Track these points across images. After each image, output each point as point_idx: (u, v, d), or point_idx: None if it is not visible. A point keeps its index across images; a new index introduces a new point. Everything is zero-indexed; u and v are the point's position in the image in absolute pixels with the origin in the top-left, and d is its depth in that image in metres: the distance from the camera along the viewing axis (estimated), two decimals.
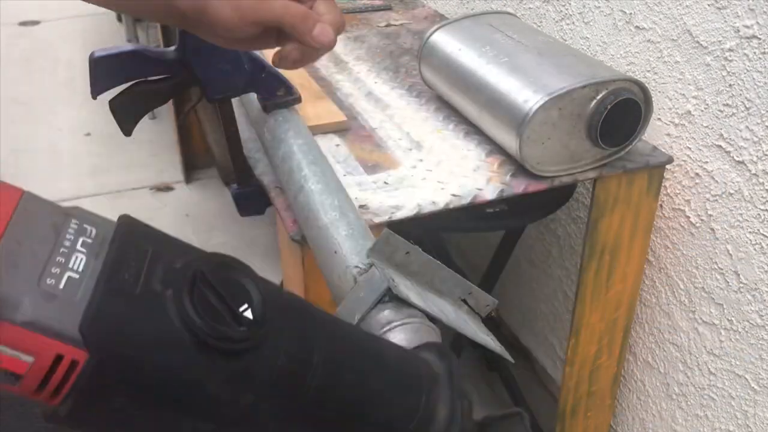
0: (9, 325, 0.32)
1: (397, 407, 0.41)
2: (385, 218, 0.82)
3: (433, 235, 1.42)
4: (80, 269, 0.34)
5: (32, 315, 0.33)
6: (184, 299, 0.34)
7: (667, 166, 1.01)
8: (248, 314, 0.36)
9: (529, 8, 1.30)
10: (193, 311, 0.34)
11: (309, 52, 0.59)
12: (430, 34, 1.08)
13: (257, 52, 0.83)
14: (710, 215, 1.00)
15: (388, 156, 0.96)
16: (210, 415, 0.36)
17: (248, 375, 0.36)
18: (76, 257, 0.34)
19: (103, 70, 0.75)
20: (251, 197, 0.95)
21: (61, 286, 0.34)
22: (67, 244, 0.35)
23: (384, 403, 0.41)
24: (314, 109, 1.04)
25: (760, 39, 0.86)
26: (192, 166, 2.52)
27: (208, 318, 0.34)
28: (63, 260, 0.34)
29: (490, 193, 0.88)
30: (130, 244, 0.36)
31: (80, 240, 0.35)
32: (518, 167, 0.92)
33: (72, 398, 0.34)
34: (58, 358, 0.33)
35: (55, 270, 0.34)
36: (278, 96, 0.90)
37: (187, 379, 0.35)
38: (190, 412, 0.36)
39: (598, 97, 0.87)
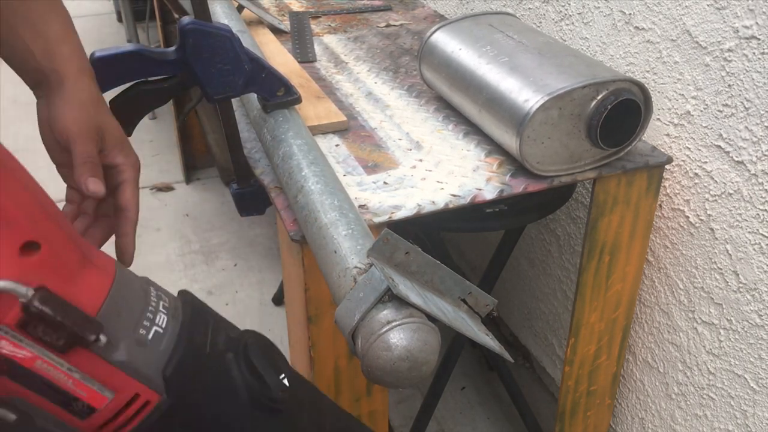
0: (104, 362, 0.38)
1: None
2: (385, 218, 0.83)
3: (433, 235, 1.42)
4: (163, 326, 0.42)
5: (126, 357, 0.39)
6: (241, 362, 0.42)
7: (667, 166, 1.02)
8: (285, 382, 0.44)
9: (529, 8, 1.31)
10: (248, 373, 0.42)
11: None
12: (430, 34, 1.08)
13: (257, 52, 0.83)
14: (709, 215, 1.00)
15: (387, 156, 0.96)
16: None
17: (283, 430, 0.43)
18: (160, 316, 0.42)
19: (103, 70, 0.75)
20: (251, 197, 0.95)
21: (150, 336, 0.40)
22: (153, 304, 0.42)
23: None
24: (314, 109, 1.04)
25: (759, 39, 0.86)
26: (192, 166, 2.52)
27: (259, 380, 0.42)
28: (151, 317, 0.41)
29: (489, 193, 0.88)
30: (198, 314, 0.44)
31: (161, 303, 0.43)
32: (518, 167, 0.93)
33: None
34: (134, 398, 0.39)
35: (146, 323, 0.41)
36: (278, 96, 0.90)
37: (237, 429, 0.41)
38: None
39: (598, 98, 0.87)
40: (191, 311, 0.44)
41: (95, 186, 0.54)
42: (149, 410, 0.40)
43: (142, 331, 0.41)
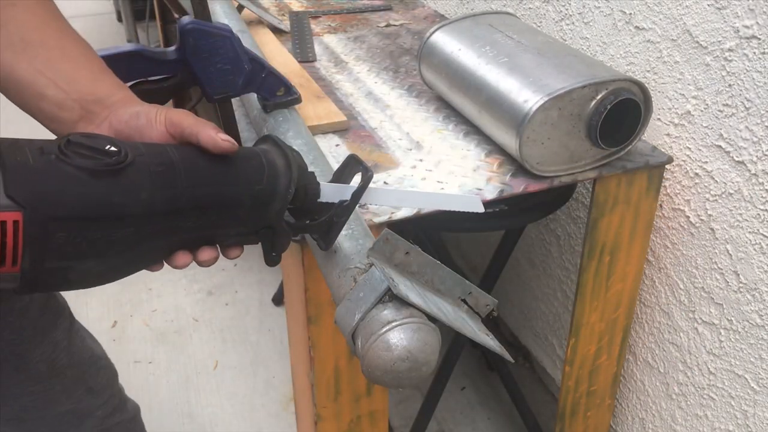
0: None
1: (248, 175, 0.56)
2: (385, 218, 0.83)
3: (433, 235, 1.42)
4: None
5: None
6: (65, 155, 0.48)
7: (667, 166, 1.02)
8: (113, 149, 0.50)
9: (529, 8, 1.30)
10: (74, 156, 0.48)
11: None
12: (430, 34, 1.08)
13: (257, 52, 0.83)
14: (710, 215, 1.00)
15: (388, 156, 0.96)
16: (123, 220, 0.50)
17: (135, 181, 0.50)
18: None
19: None
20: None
21: None
22: None
23: (239, 181, 0.55)
24: (314, 109, 1.04)
25: (759, 39, 0.86)
26: None
27: (85, 158, 0.48)
28: None
29: (489, 193, 0.88)
30: (8, 143, 0.48)
31: None
32: (518, 167, 0.93)
33: (28, 254, 0.46)
34: (2, 226, 0.45)
35: None
36: (278, 96, 0.90)
37: (96, 200, 0.48)
38: (110, 224, 0.49)
39: (598, 98, 0.87)
40: (6, 144, 0.48)
41: (228, 139, 0.56)
42: (22, 227, 0.45)
43: None
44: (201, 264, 0.57)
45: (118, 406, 1.02)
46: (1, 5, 0.58)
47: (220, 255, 0.59)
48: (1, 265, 0.46)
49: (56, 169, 0.47)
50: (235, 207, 0.56)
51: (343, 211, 0.60)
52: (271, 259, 0.60)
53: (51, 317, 0.88)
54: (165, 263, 0.57)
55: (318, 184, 0.60)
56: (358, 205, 0.61)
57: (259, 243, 0.59)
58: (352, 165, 0.63)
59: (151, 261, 0.55)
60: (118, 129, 0.58)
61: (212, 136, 0.54)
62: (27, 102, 0.59)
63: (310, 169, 0.79)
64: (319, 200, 0.60)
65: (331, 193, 0.61)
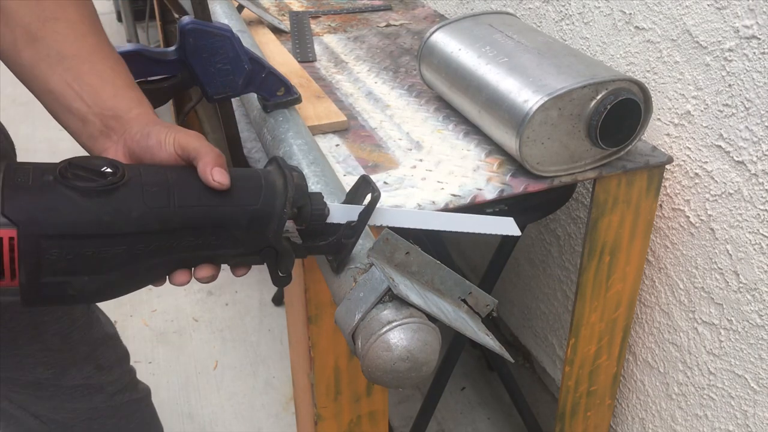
0: None
1: (244, 196, 0.56)
2: None
3: (433, 235, 1.42)
4: None
5: None
6: (63, 177, 0.51)
7: (667, 166, 1.02)
8: (108, 170, 0.52)
9: (529, 8, 1.30)
10: (72, 178, 0.51)
11: None
12: (430, 34, 1.08)
13: (257, 52, 0.83)
14: (710, 215, 1.00)
15: (387, 156, 0.96)
16: (114, 238, 0.52)
17: (127, 200, 0.52)
18: None
19: None
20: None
21: None
22: None
23: (234, 202, 0.56)
24: (314, 109, 1.04)
25: (759, 39, 0.86)
26: None
27: (81, 180, 0.51)
28: None
29: (489, 193, 0.88)
30: (14, 167, 0.51)
31: None
32: (518, 167, 0.93)
33: (24, 269, 0.49)
34: None
35: None
36: (278, 96, 0.90)
37: (86, 219, 0.50)
38: (102, 242, 0.51)
39: (598, 98, 0.87)
40: (9, 164, 0.51)
41: (220, 176, 0.56)
42: (17, 243, 0.49)
43: None
44: (199, 281, 0.58)
45: (129, 385, 1.05)
46: (45, 19, 0.60)
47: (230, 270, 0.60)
48: (1, 278, 0.49)
49: (51, 189, 0.50)
50: (230, 227, 0.56)
51: (351, 232, 0.60)
52: (279, 279, 0.60)
53: None
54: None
55: (324, 204, 0.60)
56: (372, 225, 0.61)
57: (264, 263, 0.59)
58: (363, 186, 0.63)
59: (151, 278, 0.56)
60: (130, 147, 0.59)
61: (207, 171, 0.55)
62: (58, 114, 0.61)
63: (310, 168, 0.79)
64: (328, 221, 0.60)
65: (340, 213, 0.61)
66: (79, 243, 0.51)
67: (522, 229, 1.30)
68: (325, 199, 0.60)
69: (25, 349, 0.89)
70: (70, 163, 0.52)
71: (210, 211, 0.55)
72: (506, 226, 0.66)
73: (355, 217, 0.60)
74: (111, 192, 0.52)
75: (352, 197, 0.64)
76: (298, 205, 0.58)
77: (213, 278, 0.58)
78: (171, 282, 0.57)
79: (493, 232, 0.65)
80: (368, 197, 0.61)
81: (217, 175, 0.55)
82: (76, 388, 0.97)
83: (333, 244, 0.60)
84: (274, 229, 0.57)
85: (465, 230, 0.62)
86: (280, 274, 0.60)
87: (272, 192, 0.57)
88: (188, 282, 0.57)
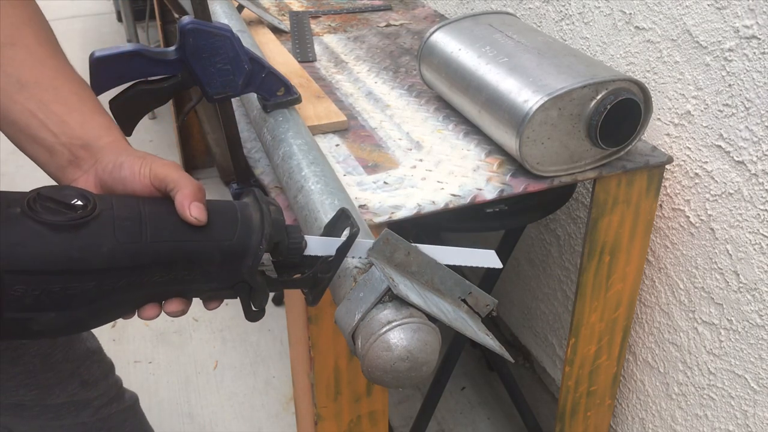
0: None
1: (219, 231, 0.54)
2: (385, 218, 0.83)
3: (433, 235, 1.42)
4: None
5: None
6: (31, 210, 0.48)
7: (667, 166, 1.01)
8: (79, 203, 0.50)
9: (529, 8, 1.30)
10: (40, 210, 0.48)
11: None
12: (430, 34, 1.08)
13: (257, 52, 0.83)
14: (710, 215, 1.00)
15: (387, 156, 0.96)
16: (83, 274, 0.50)
17: (97, 235, 0.50)
18: None
19: (103, 70, 0.75)
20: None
21: None
22: None
23: (208, 237, 0.54)
24: (314, 109, 1.04)
25: (759, 39, 0.86)
26: (192, 166, 2.52)
27: (50, 212, 0.49)
28: None
29: (489, 193, 0.88)
30: None
31: None
32: (518, 167, 0.93)
33: None
34: None
35: None
36: (278, 96, 0.90)
37: (54, 254, 0.48)
38: (70, 278, 0.49)
39: (598, 98, 0.87)
40: None
41: (198, 211, 0.54)
42: None
43: None
44: (169, 314, 0.56)
45: (115, 396, 1.04)
46: (1, 45, 0.57)
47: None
48: None
49: (18, 223, 0.48)
50: (203, 263, 0.54)
51: (327, 266, 0.58)
52: (252, 314, 0.58)
53: None
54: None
55: (302, 237, 0.58)
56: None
57: (237, 297, 0.58)
58: (342, 219, 0.61)
59: (120, 313, 0.54)
60: (101, 178, 0.56)
61: (184, 205, 0.53)
62: (23, 145, 0.58)
63: (310, 168, 0.79)
64: (305, 254, 0.58)
65: (318, 247, 0.59)
66: (46, 279, 0.48)
67: (522, 229, 1.31)
68: (302, 233, 0.58)
69: (6, 372, 0.86)
70: (39, 194, 0.50)
71: (183, 246, 0.53)
72: (488, 259, 0.64)
73: (332, 251, 0.58)
74: (81, 226, 0.49)
75: (331, 229, 0.62)
76: (275, 240, 0.56)
77: (183, 312, 0.56)
78: (140, 316, 0.55)
79: (475, 265, 0.64)
80: (347, 231, 0.59)
81: (194, 211, 0.53)
82: (62, 405, 0.95)
83: (309, 279, 0.58)
84: (248, 265, 0.55)
85: (447, 263, 0.60)
86: (254, 308, 0.58)
87: (248, 227, 0.55)
88: (158, 316, 0.55)
